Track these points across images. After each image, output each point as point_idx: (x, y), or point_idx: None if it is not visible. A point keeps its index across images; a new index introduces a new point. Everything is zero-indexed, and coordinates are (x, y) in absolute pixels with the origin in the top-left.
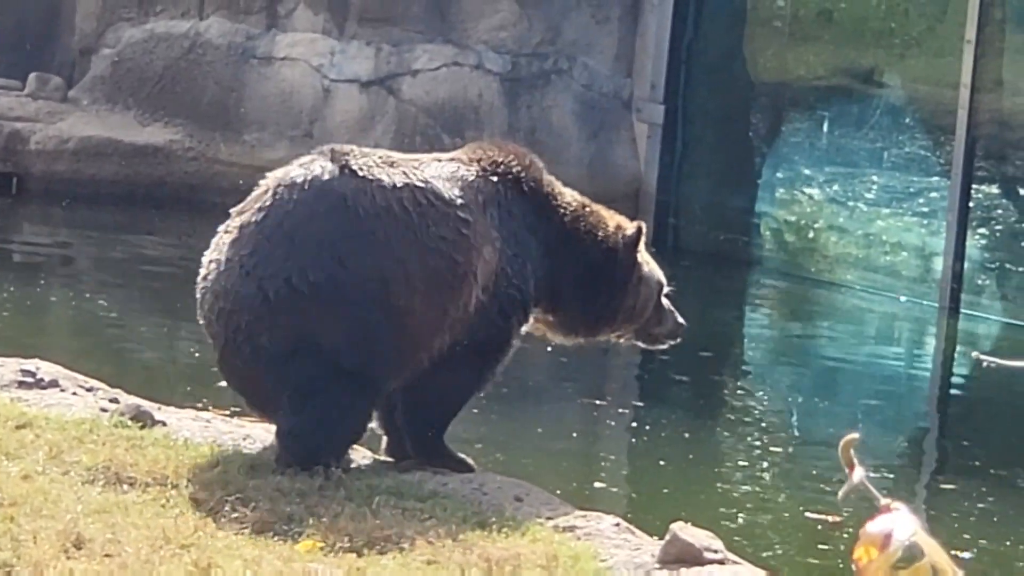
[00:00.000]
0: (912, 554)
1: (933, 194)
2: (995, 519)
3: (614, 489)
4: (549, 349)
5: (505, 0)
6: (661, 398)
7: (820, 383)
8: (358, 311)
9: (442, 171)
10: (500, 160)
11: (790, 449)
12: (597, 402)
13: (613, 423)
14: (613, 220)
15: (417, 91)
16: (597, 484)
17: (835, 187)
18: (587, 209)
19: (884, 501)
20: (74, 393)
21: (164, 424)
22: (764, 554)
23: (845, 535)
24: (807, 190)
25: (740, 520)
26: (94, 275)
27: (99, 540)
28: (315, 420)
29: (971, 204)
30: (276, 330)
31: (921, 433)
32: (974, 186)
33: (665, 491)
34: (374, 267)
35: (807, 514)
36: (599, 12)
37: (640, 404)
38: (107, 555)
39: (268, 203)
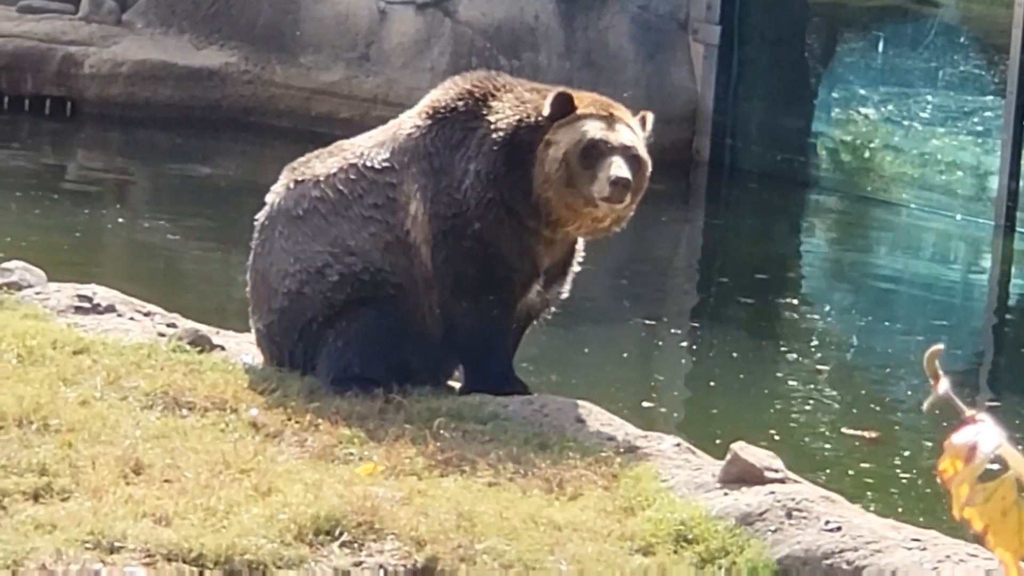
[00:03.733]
0: (997, 466)
1: (988, 113)
2: None
3: (662, 410)
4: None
5: None
6: (715, 318)
7: (875, 302)
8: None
9: (384, 138)
10: (438, 100)
11: (842, 368)
12: (648, 322)
13: (663, 344)
14: (544, 95)
15: (473, 13)
16: (646, 404)
17: (890, 106)
18: (537, 95)
19: (969, 412)
20: (131, 318)
21: (222, 348)
22: (811, 472)
23: (884, 451)
24: (862, 110)
25: (785, 438)
26: (150, 200)
27: (158, 465)
28: (345, 341)
29: None
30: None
31: (977, 351)
32: None
33: (714, 411)
34: (330, 246)
35: (843, 430)
36: None
37: (693, 325)
38: (166, 480)
39: (253, 243)
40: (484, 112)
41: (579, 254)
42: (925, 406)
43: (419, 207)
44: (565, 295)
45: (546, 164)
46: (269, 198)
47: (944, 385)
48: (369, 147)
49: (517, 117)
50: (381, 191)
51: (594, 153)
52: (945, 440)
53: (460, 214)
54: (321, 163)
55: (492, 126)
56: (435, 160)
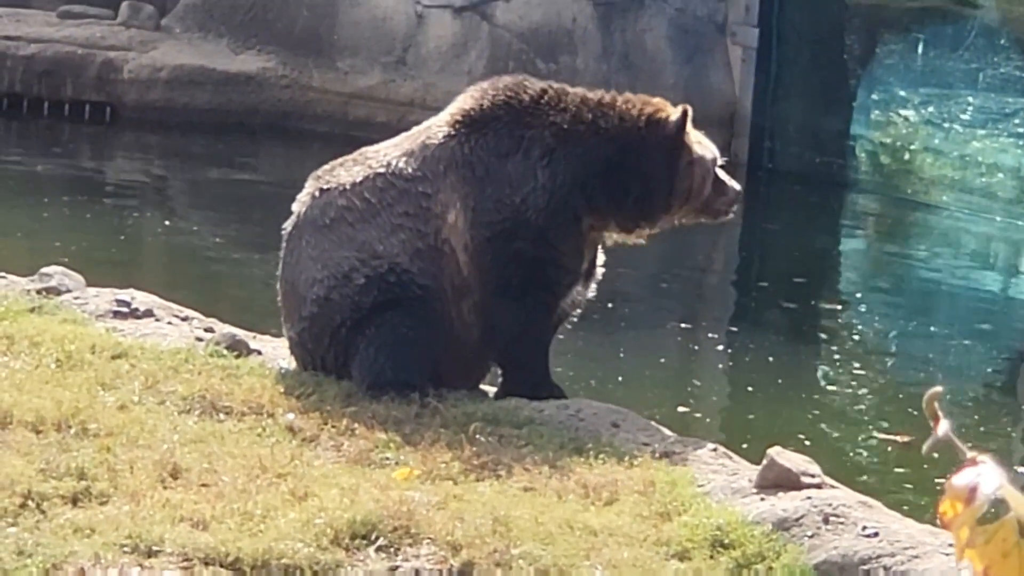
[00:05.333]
0: (998, 509)
1: None
2: None
3: (698, 414)
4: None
5: None
6: (753, 322)
7: (915, 306)
8: (365, 289)
9: (412, 147)
10: (472, 108)
11: (881, 373)
12: (685, 326)
13: (700, 348)
14: (641, 108)
15: (511, 16)
16: (682, 409)
17: (930, 109)
18: (597, 103)
19: (970, 454)
20: (169, 323)
21: (259, 353)
22: (849, 477)
23: (921, 455)
24: (902, 112)
25: (822, 443)
26: (188, 204)
27: (195, 470)
28: (376, 347)
29: None
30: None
31: (1018, 356)
32: None
33: (751, 416)
34: (357, 251)
35: (876, 434)
36: None
37: (731, 329)
38: (204, 484)
39: (281, 252)
40: (535, 120)
41: (601, 254)
42: (925, 449)
43: (459, 216)
44: (592, 295)
45: (695, 182)
46: (295, 207)
47: (944, 427)
48: (397, 156)
49: (608, 129)
50: (413, 200)
51: (717, 168)
52: (946, 483)
53: (512, 218)
54: (346, 172)
55: (563, 136)
56: (477, 168)
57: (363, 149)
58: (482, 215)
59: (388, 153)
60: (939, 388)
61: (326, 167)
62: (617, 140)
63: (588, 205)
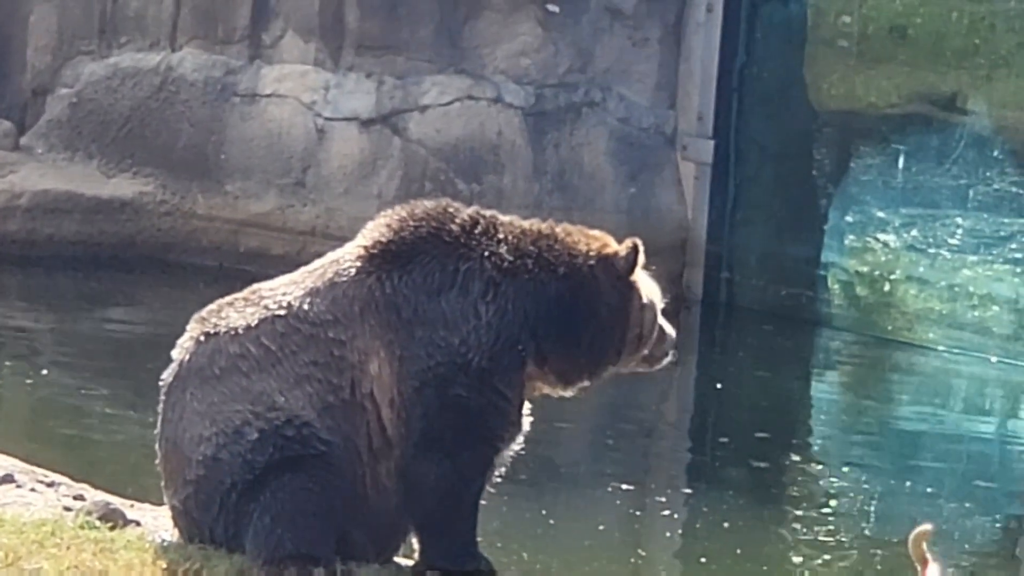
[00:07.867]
0: None
1: None
2: None
3: None
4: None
5: (527, 22)
6: (707, 483)
7: (898, 462)
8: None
9: (317, 284)
10: (391, 240)
11: (857, 541)
12: (627, 487)
13: (645, 513)
14: (587, 242)
15: (427, 130)
16: None
17: (913, 232)
18: (538, 234)
19: None
20: (32, 489)
21: (138, 524)
22: None
23: None
24: (881, 236)
25: None
26: (53, 352)
27: None
28: (272, 516)
29: None
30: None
31: (1018, 518)
32: None
33: None
34: (251, 404)
35: None
36: (636, 34)
37: (684, 491)
38: None
39: (160, 407)
40: (469, 252)
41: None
42: None
43: (383, 365)
44: (519, 449)
45: (645, 329)
46: (175, 354)
47: (935, 572)
48: (300, 295)
49: (557, 266)
50: (323, 347)
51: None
52: None
53: (447, 362)
54: (237, 313)
55: (508, 270)
56: (403, 310)
57: (256, 286)
58: (411, 363)
59: (288, 292)
60: (928, 526)
61: (212, 307)
62: (568, 278)
63: (536, 350)
